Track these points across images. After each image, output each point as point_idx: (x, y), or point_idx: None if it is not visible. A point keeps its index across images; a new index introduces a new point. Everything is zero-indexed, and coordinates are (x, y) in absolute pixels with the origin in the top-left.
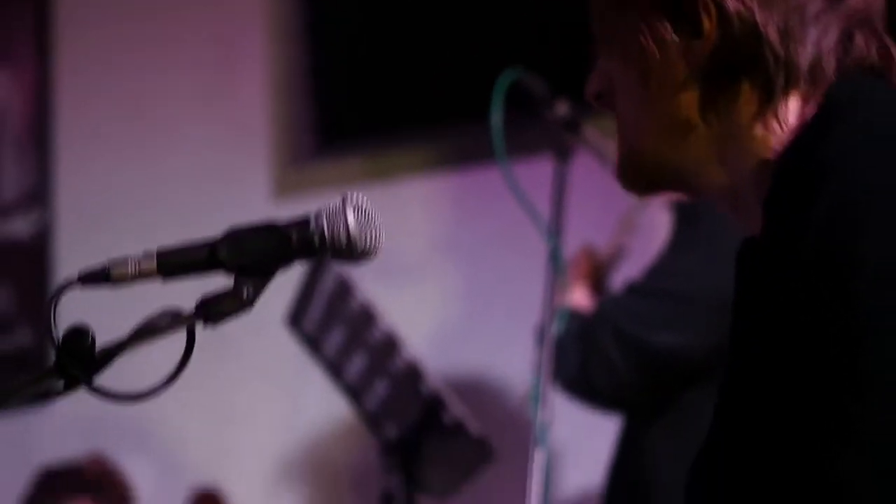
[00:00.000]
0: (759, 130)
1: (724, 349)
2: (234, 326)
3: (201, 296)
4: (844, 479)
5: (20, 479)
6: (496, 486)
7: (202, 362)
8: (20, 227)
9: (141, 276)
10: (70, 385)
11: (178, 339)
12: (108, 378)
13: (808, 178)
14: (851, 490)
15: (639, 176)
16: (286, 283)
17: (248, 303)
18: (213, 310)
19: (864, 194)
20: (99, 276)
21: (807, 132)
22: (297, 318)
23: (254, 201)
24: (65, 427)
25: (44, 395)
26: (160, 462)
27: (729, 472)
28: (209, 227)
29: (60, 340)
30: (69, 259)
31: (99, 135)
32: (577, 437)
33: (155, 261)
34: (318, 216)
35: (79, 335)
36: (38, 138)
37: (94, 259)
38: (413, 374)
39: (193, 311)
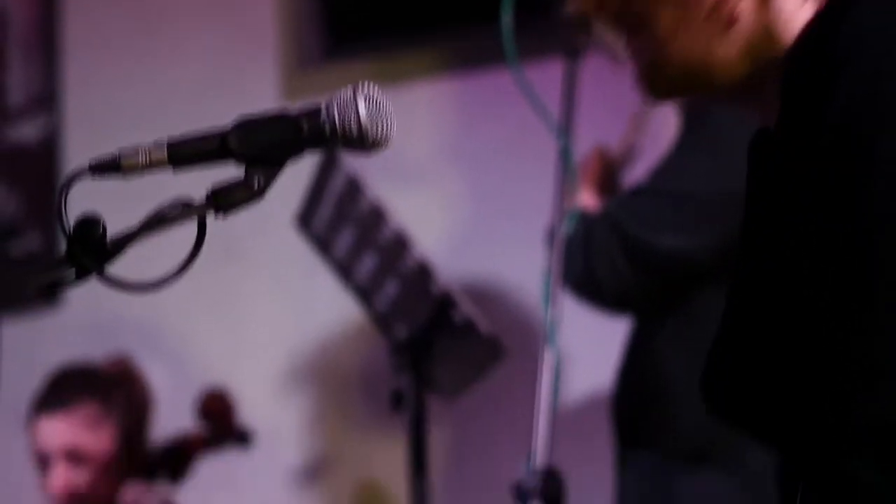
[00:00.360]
0: (791, 17)
1: (731, 250)
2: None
3: (212, 185)
4: (864, 353)
5: (29, 383)
6: (506, 386)
7: (212, 265)
8: (28, 131)
9: (151, 165)
10: (81, 274)
11: (189, 230)
12: (120, 269)
13: (827, 61)
14: (874, 366)
15: (664, 80)
16: (295, 184)
17: (259, 193)
18: (223, 200)
19: (887, 82)
20: (109, 166)
21: (828, 11)
22: (306, 219)
23: (262, 106)
24: (74, 329)
25: (56, 286)
26: (170, 364)
27: (748, 359)
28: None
29: (71, 230)
30: (77, 164)
31: (107, 40)
32: (586, 341)
33: (165, 150)
34: (329, 105)
35: (90, 225)
36: (45, 42)
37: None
38: (423, 273)
39: (204, 200)
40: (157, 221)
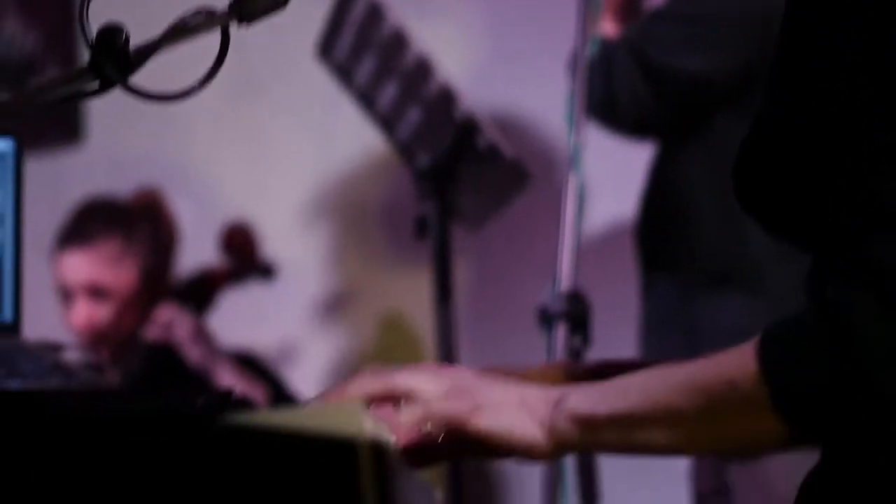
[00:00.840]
0: None
1: (752, 70)
2: (265, 62)
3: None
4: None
5: (53, 219)
6: (529, 213)
7: (234, 99)
8: None
9: None
10: (105, 85)
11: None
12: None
13: None
14: None
15: None
16: (314, 15)
17: (282, 1)
18: (247, 8)
19: None
20: None
21: None
22: (327, 48)
23: None
24: (97, 165)
25: (78, 95)
26: (193, 199)
27: (779, 149)
28: None
29: (94, 39)
30: None
31: None
32: (609, 168)
33: None
34: None
35: (113, 34)
36: None
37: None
38: (446, 98)
39: (228, 9)
40: (180, 30)
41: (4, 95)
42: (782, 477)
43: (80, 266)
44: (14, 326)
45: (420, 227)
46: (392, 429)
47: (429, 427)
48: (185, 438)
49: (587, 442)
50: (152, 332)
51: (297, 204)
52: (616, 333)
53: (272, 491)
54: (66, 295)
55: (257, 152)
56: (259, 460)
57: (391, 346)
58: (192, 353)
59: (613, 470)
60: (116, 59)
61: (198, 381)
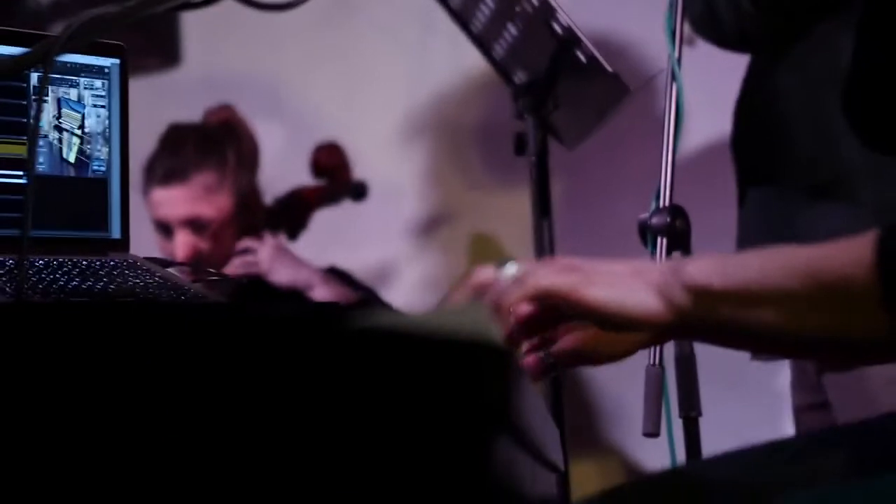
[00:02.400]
0: None
1: None
2: None
3: None
4: None
5: (150, 140)
6: (627, 129)
7: (327, 20)
8: None
9: None
10: None
11: None
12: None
13: None
14: None
15: None
16: None
17: None
18: None
19: None
20: None
21: None
22: None
23: None
24: (191, 88)
25: (186, 5)
26: (286, 122)
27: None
28: None
29: None
30: None
31: None
32: (704, 84)
33: None
34: None
35: None
36: None
37: None
38: (545, 13)
39: None
40: None
41: (112, 8)
42: (882, 388)
43: (178, 201)
44: (123, 243)
45: (518, 145)
46: (504, 312)
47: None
48: (320, 340)
49: (700, 314)
50: (235, 268)
51: (392, 124)
52: (715, 249)
53: (401, 391)
54: (163, 228)
55: (350, 73)
56: (388, 361)
57: (484, 265)
58: (279, 276)
59: (712, 386)
60: None
61: (292, 297)
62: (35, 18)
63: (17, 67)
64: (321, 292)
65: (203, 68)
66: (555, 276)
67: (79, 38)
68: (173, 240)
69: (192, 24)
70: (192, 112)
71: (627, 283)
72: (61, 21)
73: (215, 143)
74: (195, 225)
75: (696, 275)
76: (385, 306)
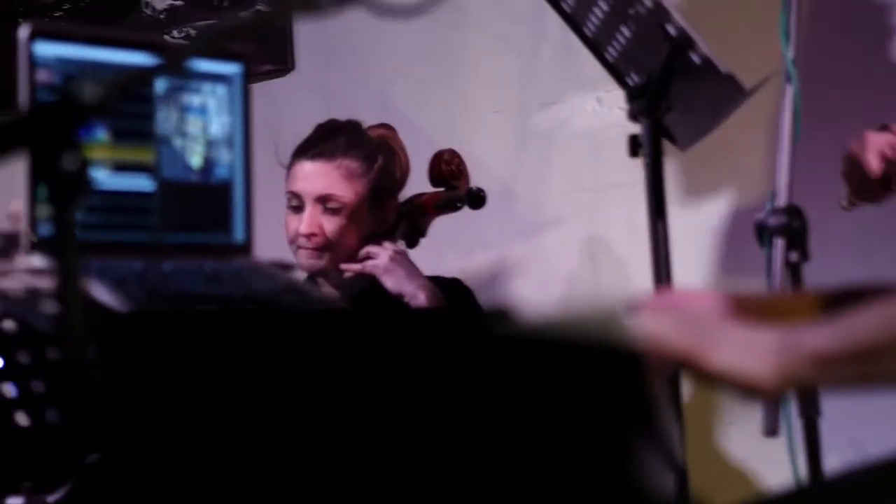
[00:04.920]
0: None
1: None
2: None
3: None
4: None
5: (264, 147)
6: (743, 131)
7: (440, 28)
8: None
9: None
10: None
11: None
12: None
13: None
14: None
15: None
16: None
17: None
18: None
19: None
20: None
21: None
22: None
23: None
24: (306, 94)
25: (314, 5)
26: (402, 129)
27: None
28: None
29: None
30: None
31: None
32: (819, 83)
33: None
34: None
35: None
36: None
37: None
38: (658, 15)
39: None
40: None
41: (243, 12)
42: None
43: (318, 176)
44: (246, 247)
45: (633, 147)
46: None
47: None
48: (468, 347)
49: (823, 378)
50: (350, 268)
51: (504, 129)
52: (833, 248)
53: (541, 394)
54: (296, 201)
55: (463, 79)
56: (532, 364)
57: (598, 268)
58: (389, 282)
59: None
60: None
61: (397, 305)
62: (148, 25)
63: (150, 75)
64: (421, 304)
65: (316, 76)
66: (678, 333)
67: (209, 45)
68: (302, 216)
69: (305, 30)
70: (304, 119)
71: (750, 350)
72: (174, 27)
73: (368, 143)
74: (327, 204)
75: (818, 345)
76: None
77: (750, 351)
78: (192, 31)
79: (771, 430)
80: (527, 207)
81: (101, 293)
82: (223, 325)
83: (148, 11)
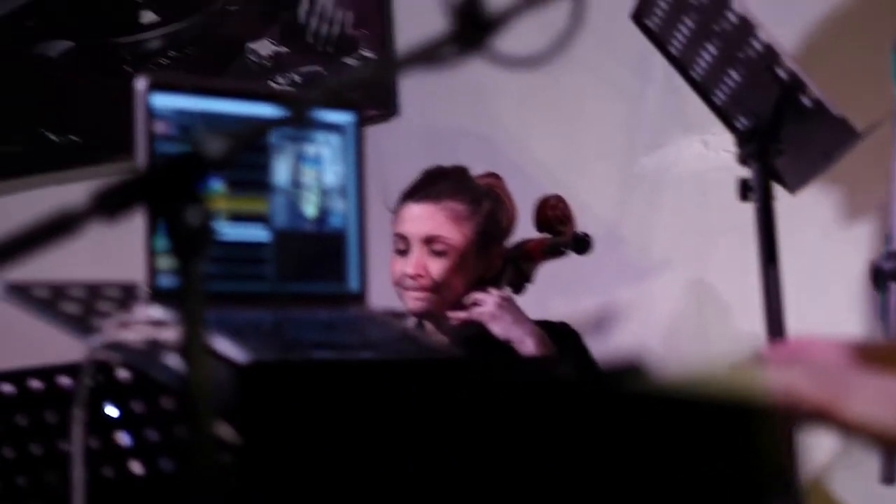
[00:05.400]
0: None
1: None
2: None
3: None
4: None
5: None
6: (853, 173)
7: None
8: None
9: None
10: (466, 46)
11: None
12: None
13: None
14: None
15: None
16: None
17: None
18: None
19: None
20: None
21: None
22: (643, 12)
23: None
24: (411, 140)
25: (437, 59)
26: (507, 173)
27: None
28: None
29: (457, 4)
30: None
31: None
32: None
33: None
34: None
35: (471, 1)
36: None
37: None
38: (770, 57)
39: None
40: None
41: (364, 66)
42: None
43: (424, 218)
44: (360, 296)
45: (743, 191)
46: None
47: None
48: (597, 404)
49: None
50: (458, 315)
51: (610, 173)
52: None
53: (674, 452)
54: (402, 244)
55: (568, 122)
56: (664, 423)
57: (705, 313)
58: (497, 328)
59: None
60: (478, 25)
61: (506, 351)
62: (252, 72)
63: (273, 127)
64: (529, 350)
65: (421, 120)
66: (810, 384)
67: (331, 96)
68: (408, 258)
69: (409, 75)
70: (410, 165)
71: (887, 400)
72: (279, 74)
73: (474, 188)
74: (433, 246)
75: None
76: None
77: (887, 401)
78: (298, 78)
79: (888, 478)
80: (633, 251)
81: (222, 344)
82: (343, 374)
83: (252, 58)
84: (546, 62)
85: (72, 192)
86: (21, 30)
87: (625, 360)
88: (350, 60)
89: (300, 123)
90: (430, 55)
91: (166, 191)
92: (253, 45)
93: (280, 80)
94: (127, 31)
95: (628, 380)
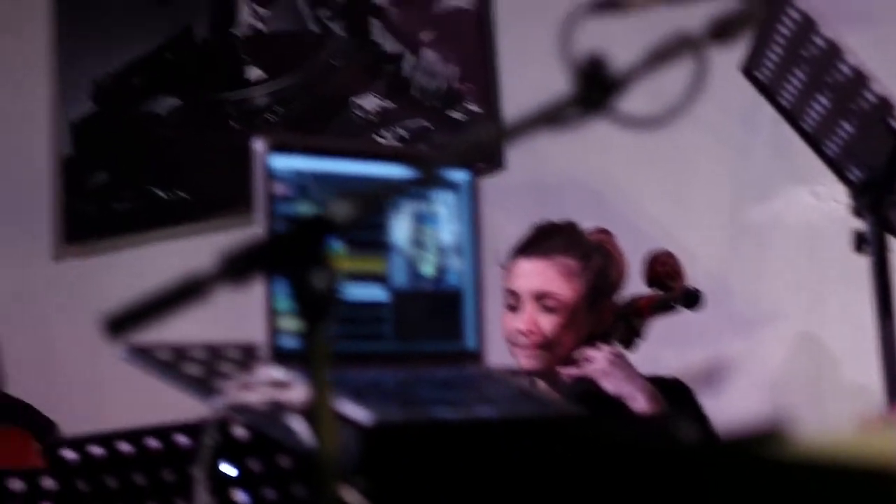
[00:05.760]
0: None
1: None
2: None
3: (714, 18)
4: None
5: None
6: None
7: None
8: None
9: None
10: (590, 108)
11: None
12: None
13: None
14: None
15: None
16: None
17: (757, 16)
18: (727, 29)
19: None
20: (605, 3)
21: None
22: (753, 64)
23: None
24: (518, 193)
25: (560, 120)
26: (614, 226)
27: None
28: None
29: (581, 66)
30: (508, 26)
31: None
32: None
33: None
34: None
35: (598, 62)
36: None
37: (531, 24)
38: (884, 109)
39: (705, 30)
40: (659, 56)
41: (484, 127)
42: None
43: (535, 274)
44: (478, 354)
45: (858, 243)
46: None
47: None
48: (732, 469)
49: None
50: (569, 371)
51: (718, 224)
52: None
53: None
54: (512, 299)
55: (675, 174)
56: (807, 490)
57: (816, 367)
58: (608, 384)
59: None
60: (599, 86)
61: (618, 408)
62: (358, 126)
63: (399, 190)
64: (642, 406)
65: (527, 173)
66: None
67: (456, 156)
68: (519, 314)
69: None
70: (517, 218)
71: None
72: (385, 129)
73: (585, 243)
74: (544, 302)
75: None
76: (705, 424)
77: None
78: (404, 133)
79: None
80: (742, 303)
81: (346, 406)
82: (464, 433)
83: (358, 113)
84: (666, 123)
85: (181, 248)
86: (129, 88)
87: (764, 423)
88: (456, 114)
89: (427, 184)
90: (552, 116)
91: (293, 255)
92: (358, 100)
93: (386, 134)
94: (233, 88)
95: (767, 444)
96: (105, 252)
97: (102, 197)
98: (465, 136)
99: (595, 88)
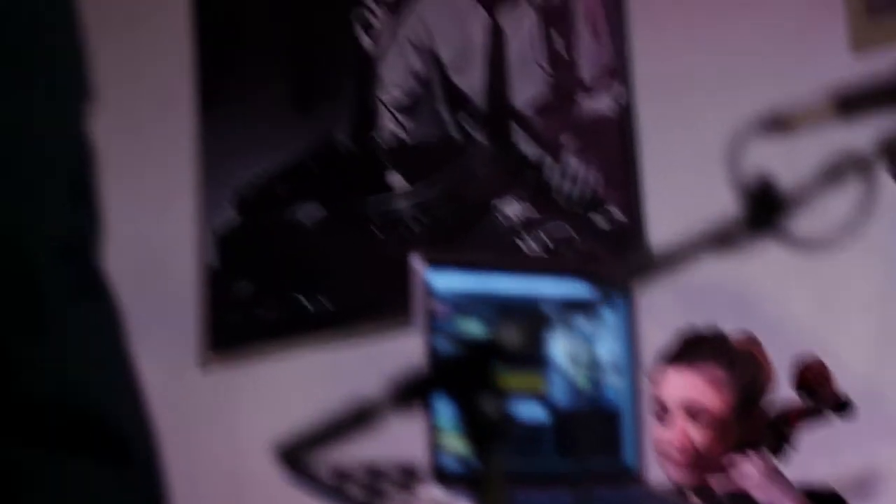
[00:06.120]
0: None
1: None
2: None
3: (883, 137)
4: None
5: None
6: None
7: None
8: (601, 103)
9: (812, 117)
10: (759, 229)
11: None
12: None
13: None
14: None
15: None
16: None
17: None
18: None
19: None
20: (774, 122)
21: None
22: None
23: (831, 59)
24: (662, 298)
25: (728, 242)
26: (763, 334)
27: None
28: (790, 89)
29: (748, 187)
30: (651, 133)
31: (671, 5)
32: None
33: (831, 100)
34: None
35: (765, 183)
36: (611, 13)
37: (674, 131)
38: None
39: (877, 152)
40: (829, 177)
41: (651, 252)
42: None
43: (685, 385)
44: (637, 473)
45: None
46: None
47: None
48: None
49: None
50: (722, 484)
51: (869, 329)
52: None
53: None
54: (661, 410)
55: (822, 278)
56: None
57: None
58: (762, 496)
59: None
60: (772, 207)
61: None
62: (501, 233)
63: (566, 312)
64: None
65: (671, 278)
66: None
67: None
68: (668, 425)
69: (658, 233)
70: (661, 322)
71: None
72: (528, 234)
73: (733, 352)
74: (693, 412)
75: None
76: None
77: None
78: (547, 239)
79: None
80: (895, 408)
81: None
82: None
83: (500, 218)
84: (836, 245)
85: (325, 355)
86: (272, 197)
87: None
88: (599, 219)
89: (598, 307)
90: (720, 238)
91: (464, 380)
92: (500, 205)
93: (528, 239)
94: (375, 194)
95: None
96: (250, 359)
97: (247, 306)
98: (636, 258)
99: (765, 209)
